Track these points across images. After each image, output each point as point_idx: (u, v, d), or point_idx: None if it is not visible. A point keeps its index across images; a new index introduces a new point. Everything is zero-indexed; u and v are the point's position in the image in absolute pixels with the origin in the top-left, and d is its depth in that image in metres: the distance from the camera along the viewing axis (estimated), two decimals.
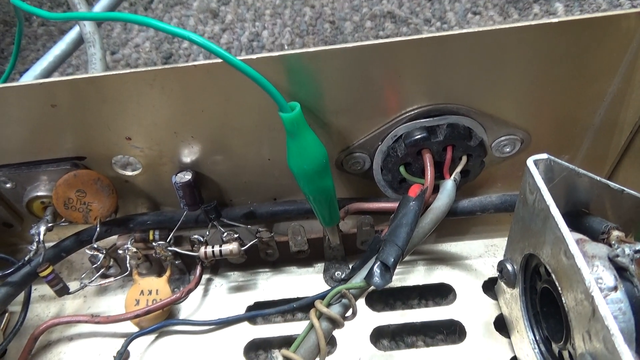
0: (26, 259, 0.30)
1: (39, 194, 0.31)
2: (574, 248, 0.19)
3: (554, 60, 0.27)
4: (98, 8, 0.47)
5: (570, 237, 0.19)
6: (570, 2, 0.55)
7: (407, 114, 0.29)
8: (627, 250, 0.21)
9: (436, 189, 0.30)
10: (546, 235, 0.21)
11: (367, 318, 0.32)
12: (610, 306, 0.19)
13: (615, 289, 0.19)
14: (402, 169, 0.31)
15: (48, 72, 0.43)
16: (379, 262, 0.24)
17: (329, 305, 0.25)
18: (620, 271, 0.20)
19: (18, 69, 0.58)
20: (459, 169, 0.30)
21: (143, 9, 0.65)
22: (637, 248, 0.22)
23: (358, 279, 0.26)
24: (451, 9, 0.58)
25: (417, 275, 0.34)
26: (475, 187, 0.35)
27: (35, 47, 0.61)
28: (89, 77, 0.26)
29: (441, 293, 0.33)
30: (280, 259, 0.35)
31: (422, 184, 0.29)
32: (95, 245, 0.32)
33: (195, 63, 0.26)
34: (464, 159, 0.30)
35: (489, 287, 0.32)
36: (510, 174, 0.34)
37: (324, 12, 0.60)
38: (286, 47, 0.56)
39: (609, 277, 0.20)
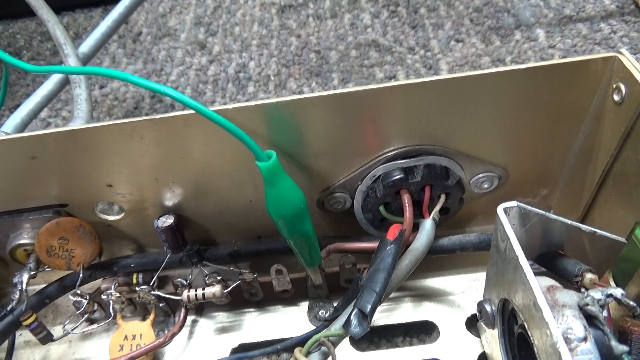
0: (9, 308, 0.30)
1: (22, 242, 0.31)
2: (542, 302, 0.19)
3: (525, 102, 0.27)
4: (86, 46, 0.48)
5: (539, 290, 0.19)
6: (551, 29, 0.56)
7: (385, 155, 0.30)
8: (598, 296, 0.21)
9: (417, 227, 0.31)
10: (517, 284, 0.21)
11: (352, 359, 0.32)
12: (580, 358, 0.19)
13: (585, 339, 0.20)
14: (382, 208, 0.31)
15: (35, 113, 0.43)
16: (356, 310, 0.25)
17: (308, 353, 0.25)
18: (591, 319, 0.21)
19: (8, 105, 0.59)
20: (437, 208, 0.31)
21: (132, 42, 0.65)
22: (609, 292, 0.22)
23: (337, 325, 0.26)
24: (434, 37, 0.59)
25: (402, 312, 0.34)
26: (457, 221, 0.35)
27: (25, 82, 0.62)
28: (66, 130, 0.26)
29: (425, 330, 0.33)
30: (265, 298, 0.35)
31: (402, 223, 0.30)
32: (79, 291, 0.32)
33: (173, 114, 0.27)
34: (443, 197, 0.31)
35: (472, 323, 0.32)
36: (490, 208, 0.34)
37: (310, 41, 0.61)
38: (272, 78, 0.57)
39: (578, 327, 0.20)
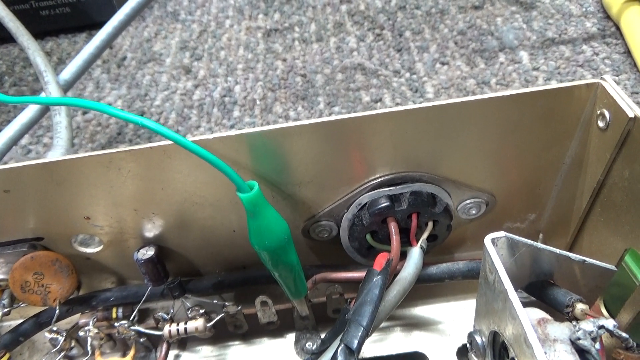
0: None
1: None
2: (533, 339, 0.18)
3: (510, 128, 0.27)
4: (68, 72, 0.47)
5: (530, 326, 0.19)
6: (534, 51, 0.57)
7: (370, 183, 0.29)
8: (589, 328, 0.21)
9: (404, 255, 0.30)
10: (507, 318, 0.21)
11: None
12: None
13: None
14: (368, 237, 0.30)
15: (14, 141, 0.42)
16: (342, 346, 0.24)
17: None
18: (583, 353, 0.20)
19: None
20: (425, 235, 0.30)
21: (116, 66, 0.65)
22: (601, 323, 0.21)
23: None
24: (420, 60, 0.59)
25: (390, 343, 0.33)
26: (445, 247, 0.34)
27: (6, 109, 0.61)
28: (41, 162, 0.26)
29: None
30: (250, 330, 0.34)
31: (389, 252, 0.29)
32: (55, 328, 0.31)
33: (152, 145, 0.26)
34: (430, 225, 0.30)
35: (464, 353, 0.32)
36: (479, 233, 0.34)
37: (296, 65, 0.61)
38: (258, 102, 0.57)
39: None
